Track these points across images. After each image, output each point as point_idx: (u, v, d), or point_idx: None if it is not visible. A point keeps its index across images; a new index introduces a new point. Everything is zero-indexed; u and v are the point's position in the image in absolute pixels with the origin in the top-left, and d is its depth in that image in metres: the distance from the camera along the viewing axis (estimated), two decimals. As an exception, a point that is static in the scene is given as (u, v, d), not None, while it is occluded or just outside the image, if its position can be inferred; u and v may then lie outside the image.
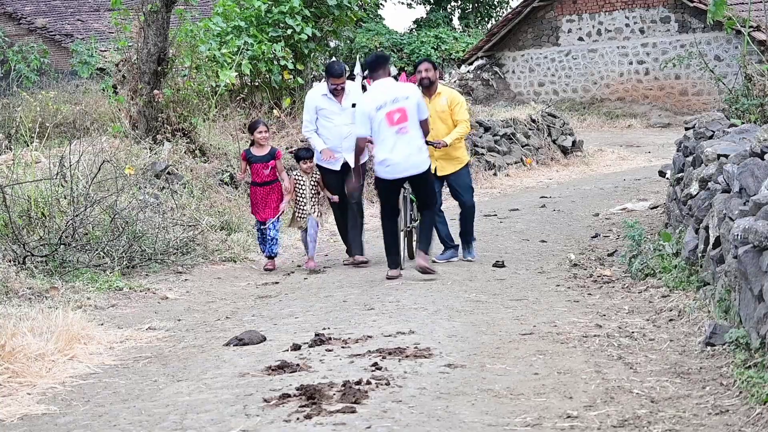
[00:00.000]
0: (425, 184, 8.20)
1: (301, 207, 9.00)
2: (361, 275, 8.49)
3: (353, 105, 9.04)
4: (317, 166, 9.08)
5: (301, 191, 9.00)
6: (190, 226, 9.70)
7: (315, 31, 14.91)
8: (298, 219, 9.03)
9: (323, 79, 9.38)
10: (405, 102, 7.99)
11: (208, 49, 12.90)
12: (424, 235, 8.25)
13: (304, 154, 9.09)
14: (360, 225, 9.24)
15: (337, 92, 8.98)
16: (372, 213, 12.66)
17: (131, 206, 9.17)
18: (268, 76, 14.42)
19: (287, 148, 12.64)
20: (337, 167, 9.05)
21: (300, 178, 9.02)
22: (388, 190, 8.16)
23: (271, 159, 8.98)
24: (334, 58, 22.72)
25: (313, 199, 9.01)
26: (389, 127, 7.92)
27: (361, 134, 8.08)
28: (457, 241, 9.07)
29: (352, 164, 9.06)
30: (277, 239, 9.07)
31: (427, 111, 8.24)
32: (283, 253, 9.66)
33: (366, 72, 8.78)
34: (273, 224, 8.98)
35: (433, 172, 8.51)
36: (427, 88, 8.78)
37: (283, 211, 9.06)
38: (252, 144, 9.10)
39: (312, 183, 9.02)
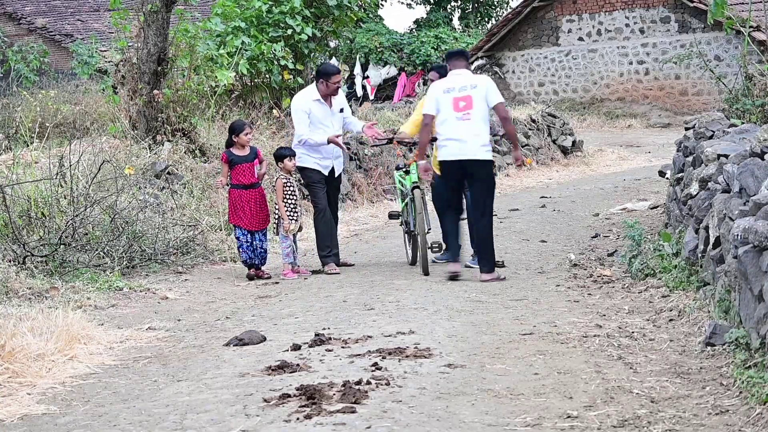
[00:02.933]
0: (483, 180, 8.08)
1: (294, 209, 8.66)
2: (361, 275, 8.49)
3: (341, 110, 9.02)
4: (305, 169, 8.85)
5: (291, 192, 8.68)
6: (190, 226, 9.70)
7: (315, 31, 14.91)
8: (292, 222, 8.61)
9: (314, 83, 9.03)
10: (472, 90, 8.08)
11: (206, 50, 12.90)
12: (484, 250, 8.09)
13: (287, 152, 8.74)
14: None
15: (335, 92, 8.86)
16: (372, 213, 12.68)
17: (131, 206, 9.17)
18: (268, 76, 14.42)
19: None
20: (326, 172, 8.87)
21: (288, 180, 8.68)
22: (450, 178, 8.15)
23: (254, 158, 8.66)
24: (333, 59, 22.75)
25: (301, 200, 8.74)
26: (453, 112, 8.06)
27: (427, 112, 8.17)
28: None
29: (339, 170, 9.02)
30: (267, 249, 8.78)
31: (500, 96, 8.24)
32: (280, 252, 9.58)
33: (445, 63, 8.60)
34: (264, 235, 8.72)
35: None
36: None
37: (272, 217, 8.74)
38: (231, 145, 8.67)
39: (297, 183, 8.71)
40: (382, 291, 7.62)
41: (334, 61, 25.77)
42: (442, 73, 8.86)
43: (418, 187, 8.54)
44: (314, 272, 8.74)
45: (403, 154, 9.41)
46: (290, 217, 8.63)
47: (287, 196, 8.66)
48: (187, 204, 10.33)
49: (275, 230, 8.89)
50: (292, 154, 8.73)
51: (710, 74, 12.64)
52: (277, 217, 8.72)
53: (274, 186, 8.92)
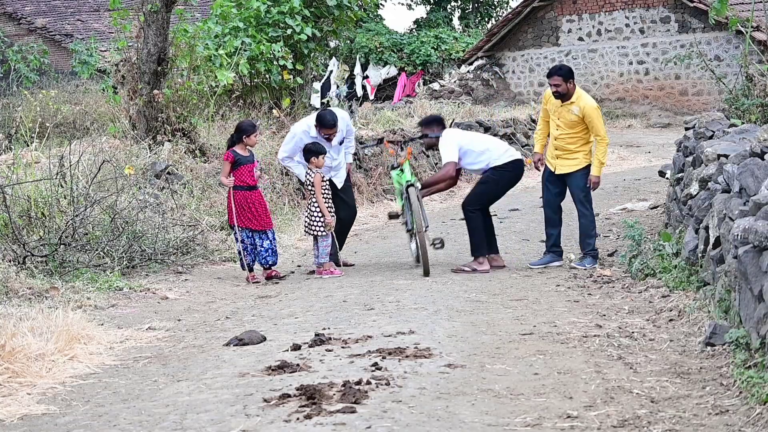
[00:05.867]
0: None
1: (329, 205, 8.58)
2: (361, 275, 8.49)
3: (340, 143, 8.96)
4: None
5: (326, 188, 8.57)
6: (190, 226, 9.70)
7: (315, 31, 14.92)
8: (330, 221, 8.51)
9: (314, 116, 8.91)
10: None
11: (206, 50, 12.91)
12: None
13: (319, 148, 8.56)
14: None
15: (328, 141, 8.75)
16: (372, 213, 12.68)
17: (131, 206, 9.16)
18: (267, 76, 14.42)
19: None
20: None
21: (324, 176, 8.56)
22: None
23: (254, 160, 8.57)
24: (333, 59, 22.70)
25: None
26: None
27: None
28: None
29: (339, 184, 8.94)
30: (276, 248, 8.67)
31: None
32: (282, 253, 9.60)
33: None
34: (273, 234, 8.59)
35: (552, 169, 8.67)
36: (561, 97, 8.57)
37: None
38: (235, 145, 8.52)
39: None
40: (382, 291, 7.62)
41: (334, 61, 25.75)
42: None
43: (412, 185, 8.53)
44: (311, 272, 8.74)
45: (395, 153, 9.36)
46: (330, 215, 8.53)
47: (323, 191, 8.52)
48: (187, 204, 10.33)
49: (307, 230, 8.68)
50: (323, 152, 8.58)
51: (710, 74, 12.65)
52: (310, 215, 8.53)
53: (305, 184, 8.74)
